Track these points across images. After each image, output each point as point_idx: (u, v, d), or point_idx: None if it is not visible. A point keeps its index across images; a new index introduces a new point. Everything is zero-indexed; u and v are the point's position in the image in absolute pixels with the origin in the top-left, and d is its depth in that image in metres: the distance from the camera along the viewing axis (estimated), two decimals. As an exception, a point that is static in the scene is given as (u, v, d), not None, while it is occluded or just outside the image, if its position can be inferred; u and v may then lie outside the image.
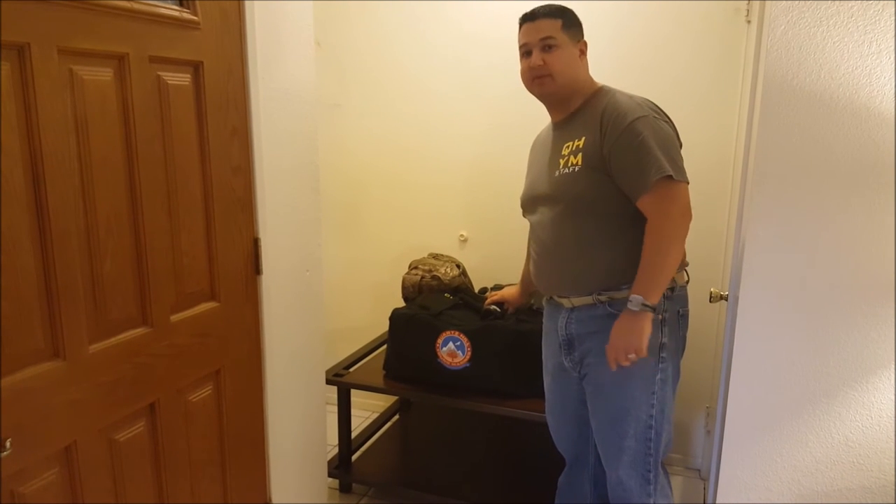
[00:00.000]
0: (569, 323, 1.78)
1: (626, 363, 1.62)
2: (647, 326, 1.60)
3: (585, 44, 1.76)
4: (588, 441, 1.91)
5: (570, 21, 1.72)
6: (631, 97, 1.68)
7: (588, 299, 1.72)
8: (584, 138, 1.67)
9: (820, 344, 1.36)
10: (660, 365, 1.69)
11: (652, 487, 1.74)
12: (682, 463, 2.81)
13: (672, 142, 1.63)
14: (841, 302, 1.33)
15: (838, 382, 1.36)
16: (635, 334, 1.59)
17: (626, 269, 1.65)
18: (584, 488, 2.00)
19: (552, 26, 1.69)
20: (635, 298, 1.59)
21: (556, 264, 1.77)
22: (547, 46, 1.69)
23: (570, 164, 1.69)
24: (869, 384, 1.35)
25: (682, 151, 1.66)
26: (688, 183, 1.61)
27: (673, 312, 1.71)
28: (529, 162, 1.93)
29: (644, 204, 1.60)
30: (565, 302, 1.78)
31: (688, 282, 1.78)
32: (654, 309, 1.60)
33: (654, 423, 1.71)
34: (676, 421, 2.72)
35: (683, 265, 1.76)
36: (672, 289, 1.69)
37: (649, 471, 1.73)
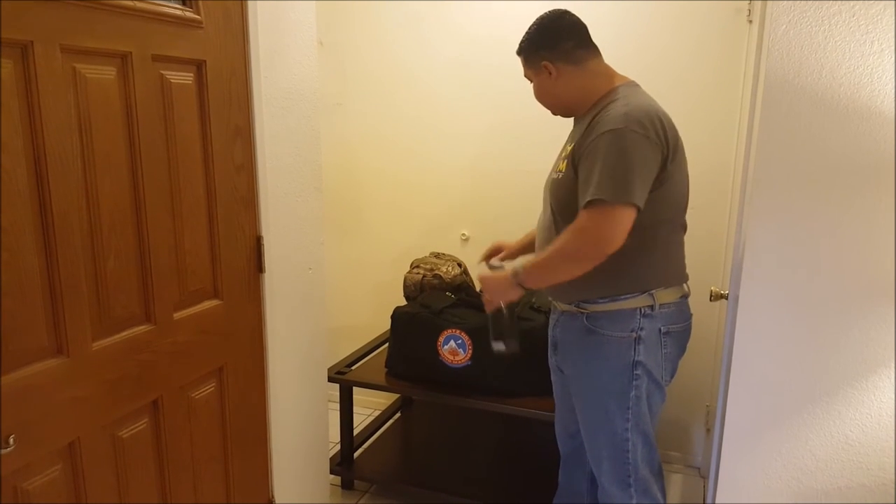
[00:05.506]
0: (556, 325, 1.83)
1: (490, 309, 1.75)
2: (508, 291, 1.68)
3: (549, 62, 1.67)
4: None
5: (528, 52, 1.71)
6: (627, 105, 1.57)
7: (571, 308, 1.73)
8: (572, 145, 1.67)
9: (820, 342, 1.36)
10: (634, 382, 1.67)
11: (632, 490, 1.75)
12: (681, 461, 2.81)
13: (632, 161, 1.50)
14: (841, 300, 1.33)
15: (838, 381, 1.36)
16: (498, 292, 1.70)
17: (603, 283, 1.63)
18: (581, 486, 2.01)
19: (523, 63, 1.75)
20: (516, 267, 1.64)
21: None
22: (530, 80, 1.77)
23: (558, 170, 1.70)
24: (869, 383, 1.35)
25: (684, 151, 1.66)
26: (634, 205, 1.50)
27: (652, 331, 1.66)
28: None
29: (580, 215, 1.55)
30: (557, 305, 1.81)
31: (683, 296, 1.73)
32: (522, 286, 1.65)
33: (629, 436, 1.71)
34: (677, 419, 2.73)
35: (683, 279, 1.73)
36: (651, 307, 1.64)
37: (628, 475, 1.74)
